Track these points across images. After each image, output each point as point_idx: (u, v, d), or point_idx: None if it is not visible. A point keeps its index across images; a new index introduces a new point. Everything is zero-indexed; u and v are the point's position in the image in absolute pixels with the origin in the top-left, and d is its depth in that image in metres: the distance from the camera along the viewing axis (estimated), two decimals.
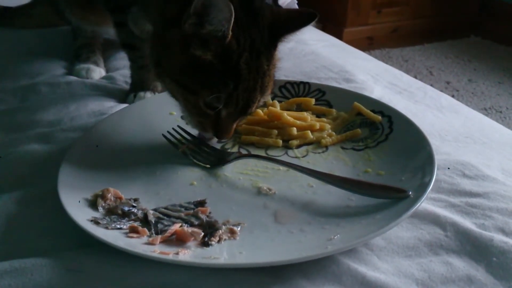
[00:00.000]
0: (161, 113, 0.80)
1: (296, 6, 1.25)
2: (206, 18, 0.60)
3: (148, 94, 0.89)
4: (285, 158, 0.71)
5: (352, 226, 0.57)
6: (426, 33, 2.87)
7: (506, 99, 2.26)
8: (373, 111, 0.78)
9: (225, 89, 0.63)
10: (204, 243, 0.55)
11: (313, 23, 0.66)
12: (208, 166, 0.69)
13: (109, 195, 0.61)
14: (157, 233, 0.56)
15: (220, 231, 0.56)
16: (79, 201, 0.60)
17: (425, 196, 0.58)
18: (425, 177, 0.61)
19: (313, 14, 0.66)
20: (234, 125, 0.70)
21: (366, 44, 2.75)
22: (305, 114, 0.79)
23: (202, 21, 0.60)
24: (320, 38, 1.26)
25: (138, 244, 0.54)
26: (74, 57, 1.03)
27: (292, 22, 0.67)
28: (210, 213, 0.60)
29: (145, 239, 0.55)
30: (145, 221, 0.58)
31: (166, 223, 0.58)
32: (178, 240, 0.55)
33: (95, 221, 0.56)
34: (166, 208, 0.61)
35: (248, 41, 0.64)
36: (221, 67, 0.63)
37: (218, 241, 0.55)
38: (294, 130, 0.75)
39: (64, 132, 0.78)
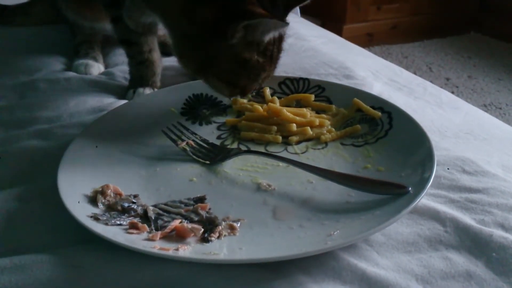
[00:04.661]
0: (161, 109, 0.80)
1: None
2: (256, 32, 0.66)
3: (148, 90, 0.88)
4: (284, 154, 0.71)
5: (352, 222, 0.57)
6: (426, 29, 2.87)
7: (505, 96, 2.26)
8: (372, 107, 0.78)
9: (262, 75, 0.73)
10: (204, 239, 0.55)
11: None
12: (207, 162, 0.69)
13: (109, 191, 0.61)
14: (157, 229, 0.56)
15: (220, 227, 0.56)
16: (79, 198, 0.60)
17: (424, 192, 0.58)
18: (425, 173, 0.61)
19: None
20: None
21: (366, 41, 2.75)
22: (304, 110, 0.79)
23: (251, 32, 0.66)
24: (319, 34, 1.26)
25: (138, 240, 0.54)
26: (74, 54, 1.03)
27: None
28: (209, 209, 0.60)
29: (145, 235, 0.55)
30: (145, 217, 0.58)
31: (166, 219, 0.58)
32: (178, 236, 0.55)
33: (95, 217, 0.56)
34: (166, 204, 0.61)
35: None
36: (263, 60, 0.71)
37: (218, 237, 0.55)
38: (294, 126, 0.75)
39: (64, 128, 0.77)
